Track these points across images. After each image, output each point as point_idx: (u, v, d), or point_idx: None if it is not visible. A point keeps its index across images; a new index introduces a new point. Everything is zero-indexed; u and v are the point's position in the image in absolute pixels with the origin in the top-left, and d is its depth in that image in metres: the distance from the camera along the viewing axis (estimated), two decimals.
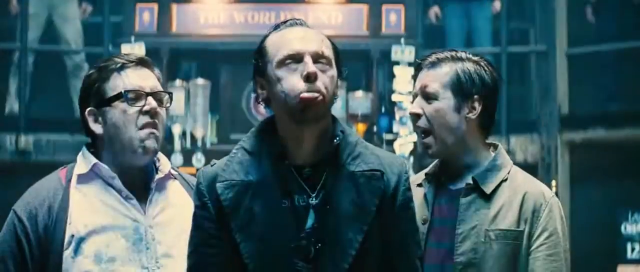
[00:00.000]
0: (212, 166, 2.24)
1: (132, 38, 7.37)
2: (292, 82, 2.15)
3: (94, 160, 2.40)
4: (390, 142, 7.19)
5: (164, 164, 2.49)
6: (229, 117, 7.66)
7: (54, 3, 7.68)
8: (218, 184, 2.18)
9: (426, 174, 2.56)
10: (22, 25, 7.57)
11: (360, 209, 2.17)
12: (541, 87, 7.82)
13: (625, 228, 7.24)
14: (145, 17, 7.61)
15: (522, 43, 8.18)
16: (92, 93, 2.41)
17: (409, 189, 2.27)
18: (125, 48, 7.20)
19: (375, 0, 7.66)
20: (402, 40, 7.40)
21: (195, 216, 2.22)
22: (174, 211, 2.44)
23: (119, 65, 2.41)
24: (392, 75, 7.38)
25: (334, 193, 2.17)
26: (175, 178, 2.52)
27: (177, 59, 7.79)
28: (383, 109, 7.50)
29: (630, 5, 7.69)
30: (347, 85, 7.23)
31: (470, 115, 2.48)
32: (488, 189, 2.45)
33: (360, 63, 7.56)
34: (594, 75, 7.85)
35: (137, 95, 2.39)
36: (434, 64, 2.51)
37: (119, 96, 2.38)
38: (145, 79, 2.42)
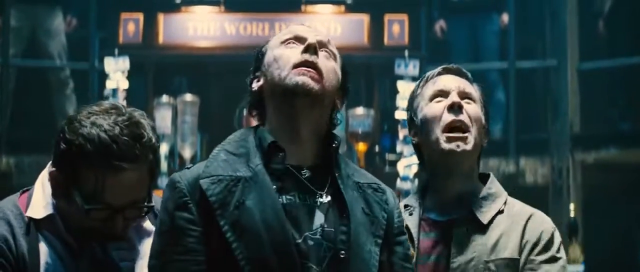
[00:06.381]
0: (188, 168, 2.05)
1: (116, 51, 7.13)
2: (288, 55, 2.06)
3: (51, 210, 2.16)
4: (393, 163, 6.93)
5: None
6: (220, 136, 7.20)
7: (38, 16, 7.44)
8: (202, 180, 1.98)
9: (406, 206, 2.37)
10: (4, 40, 7.31)
11: (372, 221, 2.05)
12: (551, 104, 7.60)
13: None
14: (130, 28, 7.34)
15: (531, 58, 7.95)
16: (65, 167, 2.12)
17: (401, 213, 2.20)
18: (108, 62, 6.99)
19: (376, 10, 7.40)
20: (406, 52, 7.13)
21: (170, 220, 1.98)
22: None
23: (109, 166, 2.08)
24: (395, 91, 7.11)
25: (346, 197, 2.03)
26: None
27: (164, 73, 7.55)
28: (385, 127, 7.25)
29: None
30: (347, 101, 6.90)
31: (485, 140, 2.40)
32: (485, 219, 2.30)
33: (360, 77, 7.30)
34: (607, 91, 7.69)
35: (104, 214, 2.11)
36: (462, 74, 2.44)
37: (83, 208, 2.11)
38: (126, 189, 2.10)
